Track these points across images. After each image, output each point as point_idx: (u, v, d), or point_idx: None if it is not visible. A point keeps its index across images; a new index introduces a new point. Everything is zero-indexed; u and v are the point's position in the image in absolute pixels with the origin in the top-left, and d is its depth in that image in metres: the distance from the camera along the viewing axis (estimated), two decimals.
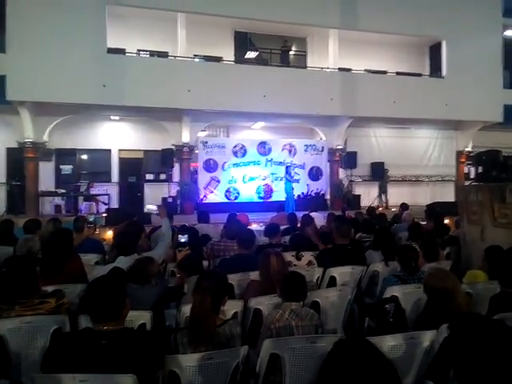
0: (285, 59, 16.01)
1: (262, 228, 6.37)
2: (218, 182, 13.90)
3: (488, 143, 14.12)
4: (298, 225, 6.11)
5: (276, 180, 14.30)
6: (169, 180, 14.27)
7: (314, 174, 14.91)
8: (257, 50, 15.71)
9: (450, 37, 14.81)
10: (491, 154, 5.62)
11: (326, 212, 8.43)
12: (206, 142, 13.93)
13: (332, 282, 4.04)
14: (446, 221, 7.35)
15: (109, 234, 7.60)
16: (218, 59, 14.35)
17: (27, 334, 2.55)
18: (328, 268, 4.10)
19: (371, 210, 8.53)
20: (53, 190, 12.81)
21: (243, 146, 14.25)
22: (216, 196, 13.82)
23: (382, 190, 14.99)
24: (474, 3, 14.66)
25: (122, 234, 4.24)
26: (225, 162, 13.94)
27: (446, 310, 2.56)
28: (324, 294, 3.56)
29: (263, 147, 14.46)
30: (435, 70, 15.97)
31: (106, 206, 12.38)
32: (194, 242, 4.52)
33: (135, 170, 14.66)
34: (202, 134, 14.43)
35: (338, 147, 14.94)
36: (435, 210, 8.32)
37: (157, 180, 14.56)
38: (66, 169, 13.81)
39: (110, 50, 12.01)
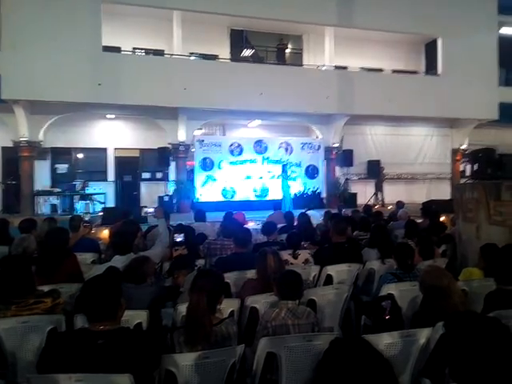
0: (281, 57, 16.00)
1: (259, 226, 6.37)
2: (215, 180, 13.90)
3: (483, 141, 14.22)
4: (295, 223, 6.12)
5: (272, 178, 14.29)
6: (165, 179, 14.24)
7: (311, 172, 14.91)
8: (253, 48, 15.66)
9: (446, 34, 14.82)
10: (487, 152, 5.65)
11: (322, 210, 8.44)
12: (203, 141, 13.91)
13: (329, 280, 4.05)
14: (443, 218, 7.37)
15: (105, 233, 7.57)
16: (214, 57, 14.30)
17: (23, 334, 2.54)
18: (325, 266, 4.10)
19: (367, 207, 8.55)
20: (48, 189, 12.75)
21: (239, 145, 14.23)
22: (212, 194, 13.80)
23: (378, 188, 15.03)
24: (470, 0, 14.70)
25: (118, 233, 4.23)
26: (221, 161, 13.93)
27: (441, 308, 2.57)
28: (320, 292, 3.57)
29: (259, 145, 14.43)
30: (431, 67, 16.00)
31: (102, 205, 12.34)
32: (191, 241, 4.51)
33: (131, 168, 14.62)
34: (198, 133, 14.41)
35: (335, 145, 14.94)
36: (431, 208, 8.33)
37: (153, 179, 14.55)
38: (62, 168, 13.68)
39: (106, 49, 11.96)
